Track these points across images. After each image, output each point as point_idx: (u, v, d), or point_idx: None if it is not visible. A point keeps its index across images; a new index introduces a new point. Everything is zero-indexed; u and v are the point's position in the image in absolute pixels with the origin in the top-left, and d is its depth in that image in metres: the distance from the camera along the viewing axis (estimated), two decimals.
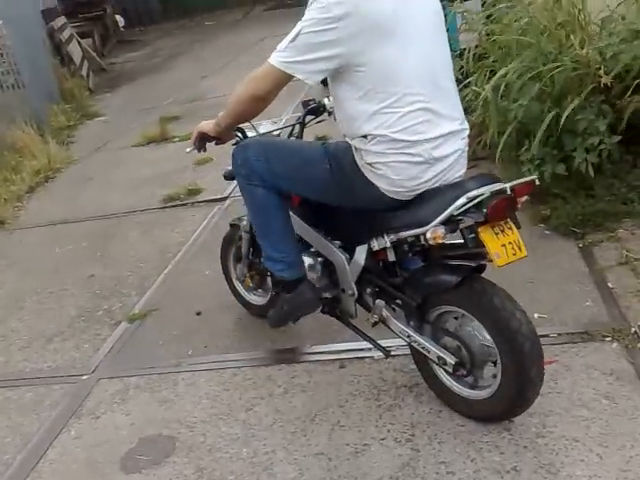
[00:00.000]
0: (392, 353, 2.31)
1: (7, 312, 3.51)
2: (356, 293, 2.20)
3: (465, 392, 2.07)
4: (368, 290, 2.18)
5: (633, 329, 2.31)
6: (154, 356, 2.81)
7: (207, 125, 2.20)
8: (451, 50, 4.22)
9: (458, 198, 1.77)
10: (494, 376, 1.96)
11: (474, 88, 3.58)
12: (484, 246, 1.81)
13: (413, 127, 1.81)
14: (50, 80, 8.25)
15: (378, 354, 2.39)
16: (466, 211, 1.78)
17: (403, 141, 1.81)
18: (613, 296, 2.52)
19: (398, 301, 2.11)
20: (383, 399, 2.25)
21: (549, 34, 3.30)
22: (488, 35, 3.76)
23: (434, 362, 2.04)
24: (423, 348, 2.04)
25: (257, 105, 1.95)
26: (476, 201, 1.77)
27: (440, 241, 1.85)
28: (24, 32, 7.64)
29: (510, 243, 1.82)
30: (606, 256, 2.78)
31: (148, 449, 2.27)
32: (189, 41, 12.02)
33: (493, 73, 3.47)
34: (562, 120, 3.10)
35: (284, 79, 1.85)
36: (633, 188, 3.07)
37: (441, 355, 1.99)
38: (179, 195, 4.56)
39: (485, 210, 1.76)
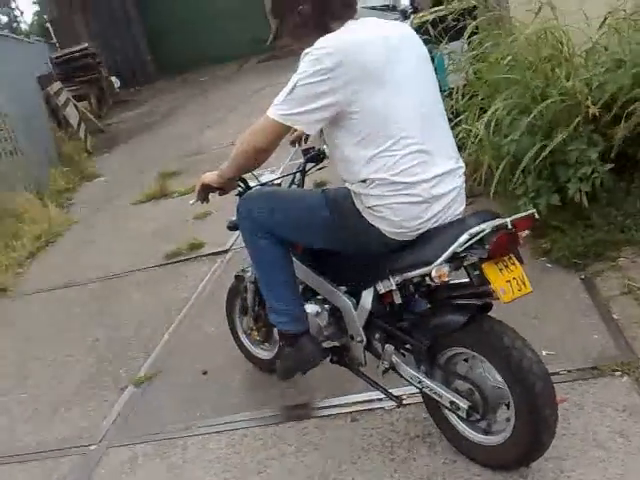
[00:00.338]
0: (403, 402, 2.27)
1: (11, 382, 3.49)
2: (365, 339, 2.17)
3: (479, 438, 2.03)
4: (377, 335, 2.16)
5: None
6: (162, 420, 2.77)
7: (210, 176, 2.23)
8: (440, 90, 4.31)
9: (460, 235, 1.79)
10: (507, 420, 1.93)
11: (465, 126, 3.63)
12: (489, 282, 1.80)
13: (410, 169, 1.85)
14: (48, 144, 8.42)
15: (389, 404, 2.36)
16: (469, 248, 1.79)
17: (402, 183, 1.85)
18: (619, 327, 2.50)
19: (407, 345, 2.09)
20: (397, 452, 2.21)
21: (535, 69, 3.37)
22: (475, 74, 3.84)
23: (447, 407, 2.00)
24: (435, 393, 2.01)
25: (259, 157, 2.00)
26: (478, 237, 1.78)
27: (445, 279, 1.85)
28: (20, 99, 7.83)
29: (514, 279, 1.82)
30: (609, 286, 2.77)
31: None
32: (185, 97, 12.26)
33: (483, 111, 3.54)
34: (553, 152, 3.15)
35: (284, 131, 1.91)
36: (629, 215, 3.08)
37: (453, 400, 1.96)
38: (181, 250, 4.58)
39: (487, 246, 1.77)
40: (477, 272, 1.82)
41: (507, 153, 3.27)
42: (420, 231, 1.90)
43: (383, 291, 2.03)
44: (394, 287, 1.99)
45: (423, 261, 1.87)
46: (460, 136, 3.70)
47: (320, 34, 1.86)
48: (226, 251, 4.37)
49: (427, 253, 1.86)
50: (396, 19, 5.89)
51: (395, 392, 2.25)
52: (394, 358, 2.11)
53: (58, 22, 15.94)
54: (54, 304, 4.45)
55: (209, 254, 4.41)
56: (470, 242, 1.78)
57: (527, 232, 1.88)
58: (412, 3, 6.28)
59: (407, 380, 2.10)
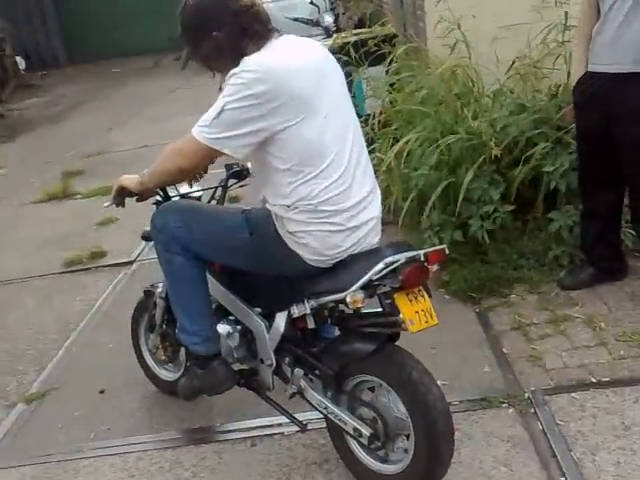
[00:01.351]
0: (307, 427, 2.28)
1: None
2: (274, 363, 2.19)
3: (377, 466, 2.10)
4: (287, 360, 2.18)
5: (526, 394, 2.45)
6: (53, 441, 2.66)
7: (130, 181, 2.16)
8: (358, 115, 4.42)
9: (377, 264, 1.86)
10: (405, 451, 2.01)
11: (378, 154, 3.74)
12: (399, 312, 1.88)
13: (335, 197, 1.89)
14: None
15: (289, 429, 2.40)
16: (383, 277, 1.86)
17: (326, 211, 1.89)
18: (508, 361, 2.67)
19: (316, 371, 2.13)
20: (294, 478, 2.25)
21: (446, 105, 3.53)
22: (391, 103, 3.96)
23: (349, 434, 2.06)
24: (340, 420, 2.06)
25: (183, 176, 2.03)
26: (392, 267, 1.85)
27: (359, 305, 1.90)
28: None
29: (423, 310, 1.92)
30: (500, 321, 2.95)
31: None
32: (95, 88, 11.77)
33: (396, 140, 3.64)
34: (457, 188, 3.32)
35: (211, 154, 1.91)
36: (523, 255, 3.30)
37: (357, 427, 2.01)
38: (82, 258, 4.38)
39: (400, 276, 1.85)
40: (389, 301, 1.90)
41: (415, 186, 3.41)
42: (338, 259, 1.95)
43: (297, 315, 2.05)
44: (308, 311, 2.02)
45: (339, 287, 1.92)
46: (373, 163, 3.81)
47: (237, 60, 1.85)
48: (131, 262, 4.23)
49: (343, 279, 1.91)
50: (318, 35, 5.99)
51: (299, 417, 2.28)
52: (302, 383, 2.14)
53: None
54: None
55: (112, 264, 4.25)
56: (385, 271, 1.85)
57: (437, 266, 1.98)
58: (335, 22, 6.39)
59: (313, 406, 2.14)
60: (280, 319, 2.12)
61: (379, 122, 3.93)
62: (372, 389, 2.07)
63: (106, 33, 14.88)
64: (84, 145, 7.66)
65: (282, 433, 2.45)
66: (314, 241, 1.90)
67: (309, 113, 1.84)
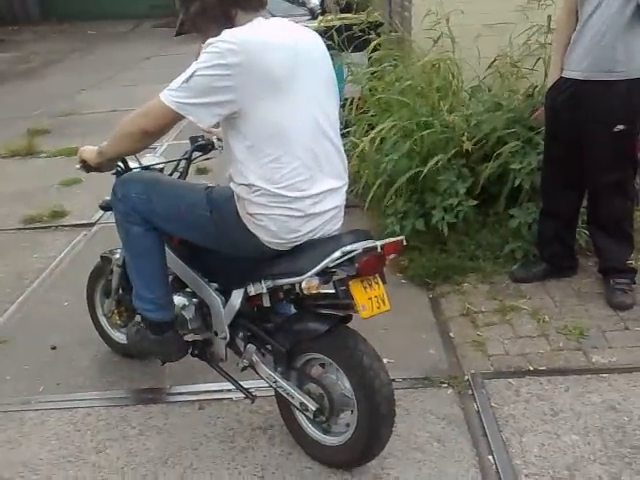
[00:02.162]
0: (255, 395, 2.32)
1: None
2: (228, 337, 2.22)
3: (320, 437, 2.17)
4: (240, 334, 2.21)
5: (466, 377, 2.56)
6: (0, 392, 2.65)
7: (89, 153, 2.14)
8: None
9: (334, 251, 1.89)
10: (348, 425, 2.09)
11: (352, 139, 3.79)
12: (352, 299, 1.93)
13: (296, 184, 1.88)
14: None
15: (237, 395, 2.44)
16: (340, 264, 1.90)
17: (286, 197, 1.88)
18: (453, 345, 2.78)
19: (268, 346, 2.17)
20: (237, 441, 2.31)
21: (424, 96, 3.59)
22: (370, 90, 4.00)
23: (297, 408, 2.12)
24: (288, 394, 2.11)
25: (145, 141, 1.95)
26: (349, 256, 1.89)
27: (314, 291, 1.94)
28: None
29: (376, 297, 1.97)
30: (451, 307, 3.05)
31: None
32: (68, 49, 11.52)
33: (371, 127, 3.70)
34: (424, 178, 3.40)
35: (176, 118, 1.85)
36: (480, 246, 3.41)
37: (304, 402, 2.07)
38: (42, 216, 4.34)
39: (357, 265, 1.88)
40: (343, 288, 1.93)
41: (384, 171, 3.48)
42: (297, 243, 1.96)
43: (253, 293, 2.08)
44: (264, 291, 2.05)
45: (295, 271, 1.95)
46: (346, 147, 3.86)
47: (224, 26, 1.83)
48: (92, 224, 4.21)
49: (300, 264, 1.94)
50: (303, 15, 5.98)
51: (248, 384, 2.32)
52: (254, 357, 2.17)
53: None
54: None
55: (72, 225, 4.22)
56: (342, 259, 1.89)
57: (393, 255, 2.02)
58: (321, 4, 6.38)
59: (263, 379, 2.18)
60: (236, 296, 2.14)
61: (357, 107, 3.97)
62: (322, 365, 2.13)
63: None
64: (52, 104, 7.52)
65: (230, 399, 2.51)
66: (273, 225, 1.91)
67: (278, 95, 1.80)
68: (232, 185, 1.96)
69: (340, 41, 4.21)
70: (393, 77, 3.83)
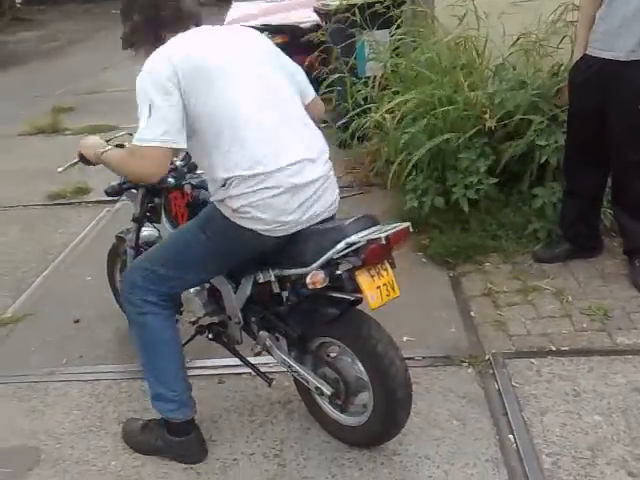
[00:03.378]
0: (272, 378, 2.30)
1: None
2: (242, 321, 2.20)
3: (338, 416, 2.17)
4: (253, 319, 2.21)
5: (487, 356, 2.54)
6: (25, 363, 2.71)
7: (88, 149, 2.07)
8: (356, 77, 4.37)
9: (338, 242, 1.86)
10: (365, 406, 2.07)
11: (373, 115, 3.75)
12: (360, 290, 1.89)
13: (261, 160, 1.84)
14: None
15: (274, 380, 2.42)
16: (345, 255, 1.87)
17: (257, 175, 1.83)
18: (474, 324, 2.75)
19: (281, 331, 2.16)
20: (256, 415, 2.33)
21: (449, 73, 3.53)
22: (392, 68, 3.95)
23: (312, 392, 2.12)
24: (303, 378, 2.11)
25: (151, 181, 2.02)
26: (354, 247, 1.86)
27: (319, 285, 1.90)
28: None
29: (385, 285, 1.92)
30: (472, 286, 3.02)
31: (9, 461, 2.20)
32: (92, 28, 11.58)
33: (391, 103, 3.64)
34: (445, 156, 3.35)
35: (169, 153, 1.83)
36: (502, 226, 3.36)
37: (319, 386, 2.06)
38: (66, 193, 4.40)
39: (362, 255, 1.85)
40: (350, 279, 1.89)
41: (404, 147, 3.44)
42: (294, 223, 1.90)
43: (262, 281, 2.06)
44: (273, 279, 2.04)
45: (300, 262, 1.93)
46: (366, 125, 3.83)
47: (152, 44, 1.90)
48: (115, 201, 4.21)
49: (305, 255, 1.91)
50: None
51: (265, 361, 2.32)
52: (268, 342, 2.17)
53: None
54: None
55: (95, 201, 4.27)
56: (346, 250, 1.86)
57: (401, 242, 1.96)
58: None
59: (279, 362, 2.18)
60: (246, 283, 2.12)
61: (379, 84, 3.92)
62: (336, 348, 2.11)
63: None
64: (77, 82, 7.57)
65: (249, 373, 2.50)
66: (260, 212, 1.86)
67: (215, 85, 1.82)
68: (212, 198, 1.95)
69: (362, 19, 4.16)
70: (417, 53, 3.78)
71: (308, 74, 5.04)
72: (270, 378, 2.28)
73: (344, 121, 4.25)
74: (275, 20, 5.85)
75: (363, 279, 1.88)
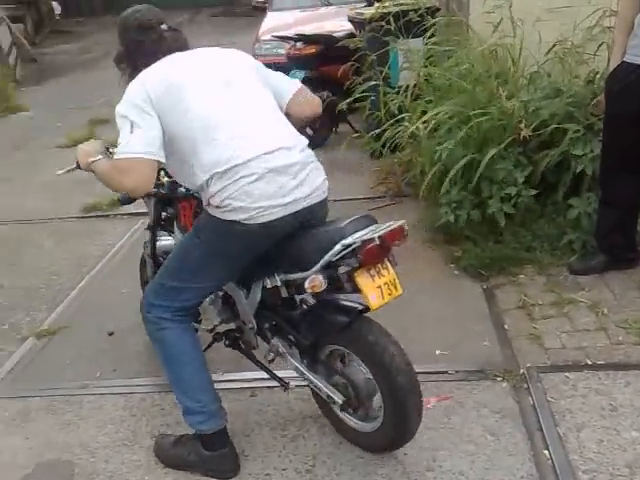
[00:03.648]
0: (290, 385, 2.32)
1: None
2: (255, 326, 2.23)
3: (356, 424, 2.17)
4: (266, 325, 2.22)
5: (521, 370, 2.49)
6: (60, 376, 2.76)
7: (83, 156, 2.11)
8: (390, 86, 4.38)
9: (335, 244, 1.86)
10: (380, 407, 2.07)
11: (406, 124, 3.73)
12: (360, 291, 1.89)
13: (233, 155, 1.88)
14: None
15: (290, 384, 2.44)
16: (343, 257, 1.87)
17: (232, 168, 1.87)
18: (508, 338, 2.70)
19: (292, 338, 2.17)
20: (289, 429, 2.33)
21: (483, 82, 3.50)
22: (426, 77, 3.92)
23: (324, 400, 2.12)
24: (315, 386, 2.11)
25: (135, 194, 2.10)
26: (350, 248, 1.86)
27: (318, 290, 1.91)
28: None
29: (386, 284, 1.92)
30: (506, 299, 2.97)
31: (45, 475, 2.23)
32: None
33: (425, 113, 3.62)
34: (479, 167, 3.31)
35: (153, 165, 1.90)
36: (537, 237, 3.30)
37: (330, 394, 2.06)
38: (101, 205, 4.47)
39: (359, 256, 1.85)
40: (349, 282, 1.90)
41: (439, 159, 3.40)
42: (277, 209, 1.89)
43: (270, 286, 2.08)
44: (279, 283, 2.05)
45: (301, 265, 1.93)
46: (399, 135, 3.81)
47: (130, 73, 2.05)
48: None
49: (304, 258, 1.92)
50: (359, 2, 5.97)
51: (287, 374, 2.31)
52: (281, 349, 2.18)
53: None
54: None
55: (130, 213, 4.29)
56: (343, 252, 1.86)
57: (404, 237, 1.96)
58: None
59: (292, 370, 2.19)
60: (256, 289, 2.14)
61: (412, 94, 3.90)
62: (345, 356, 2.11)
63: None
64: (113, 94, 7.67)
65: (281, 386, 2.51)
66: (240, 202, 1.87)
67: (181, 103, 1.91)
68: (204, 204, 1.99)
69: (397, 27, 4.16)
70: (451, 62, 3.75)
71: (341, 83, 5.03)
72: (286, 382, 2.29)
73: (377, 131, 4.23)
74: (309, 29, 5.88)
75: (362, 280, 1.89)
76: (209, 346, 2.40)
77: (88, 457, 2.29)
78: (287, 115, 2.11)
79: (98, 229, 4.20)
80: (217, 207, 1.91)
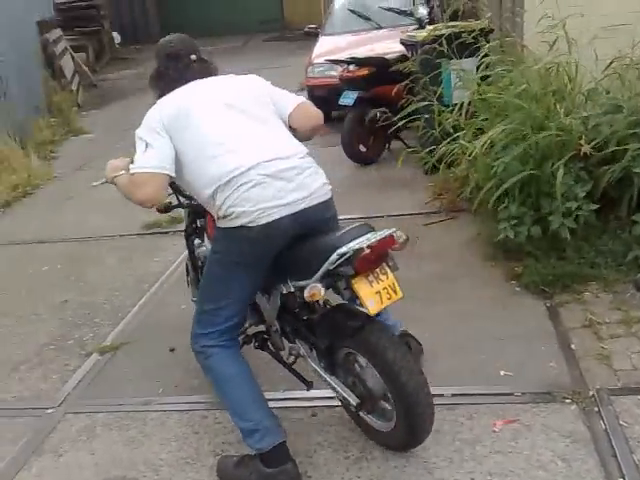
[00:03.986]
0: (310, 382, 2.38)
1: None
2: (279, 329, 2.34)
3: (376, 424, 2.23)
4: (288, 328, 2.32)
5: (591, 392, 2.39)
6: (124, 392, 2.81)
7: (109, 171, 2.27)
8: (444, 105, 4.40)
9: (332, 253, 1.94)
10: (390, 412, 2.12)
11: (461, 142, 3.70)
12: (357, 298, 1.97)
13: (234, 167, 2.03)
14: (38, 92, 8.26)
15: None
16: (339, 265, 1.94)
17: (232, 179, 2.02)
18: (575, 358, 2.61)
19: (310, 341, 2.25)
20: (351, 451, 2.29)
21: (540, 100, 3.46)
22: (480, 95, 3.91)
23: (341, 401, 2.18)
24: (332, 388, 2.18)
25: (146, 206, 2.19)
26: (345, 257, 1.92)
27: (318, 298, 1.99)
28: (17, 42, 7.66)
29: (385, 289, 2.00)
30: (571, 317, 2.87)
31: None
32: None
33: (480, 131, 3.63)
34: (539, 183, 3.24)
35: (164, 179, 2.08)
36: (601, 253, 3.20)
37: (345, 396, 2.13)
38: (161, 222, 4.56)
39: (355, 264, 1.93)
40: (347, 289, 1.99)
41: (495, 174, 3.35)
42: (277, 209, 2.00)
43: (285, 292, 2.19)
44: (292, 290, 2.15)
45: (303, 274, 2.04)
46: (455, 151, 3.79)
47: (160, 94, 2.26)
48: None
49: (305, 267, 2.02)
50: (410, 25, 6.02)
51: None
52: (302, 351, 2.28)
53: None
54: (25, 259, 4.42)
55: None
56: (339, 261, 1.93)
57: (404, 240, 2.03)
58: (429, 14, 6.40)
59: (312, 372, 2.28)
60: (275, 294, 2.26)
61: (466, 112, 3.88)
62: (359, 360, 2.15)
63: (199, 13, 15.36)
64: None
65: (341, 405, 2.48)
66: (241, 207, 2.01)
67: (187, 123, 2.10)
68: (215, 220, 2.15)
69: (450, 49, 4.19)
70: (506, 81, 3.71)
71: (395, 102, 5.07)
72: (309, 382, 2.33)
73: (432, 148, 4.22)
74: (361, 52, 5.98)
75: (360, 286, 1.97)
76: (239, 348, 2.43)
77: (152, 475, 2.31)
78: (292, 129, 2.27)
79: (158, 246, 4.29)
80: (224, 217, 2.05)
